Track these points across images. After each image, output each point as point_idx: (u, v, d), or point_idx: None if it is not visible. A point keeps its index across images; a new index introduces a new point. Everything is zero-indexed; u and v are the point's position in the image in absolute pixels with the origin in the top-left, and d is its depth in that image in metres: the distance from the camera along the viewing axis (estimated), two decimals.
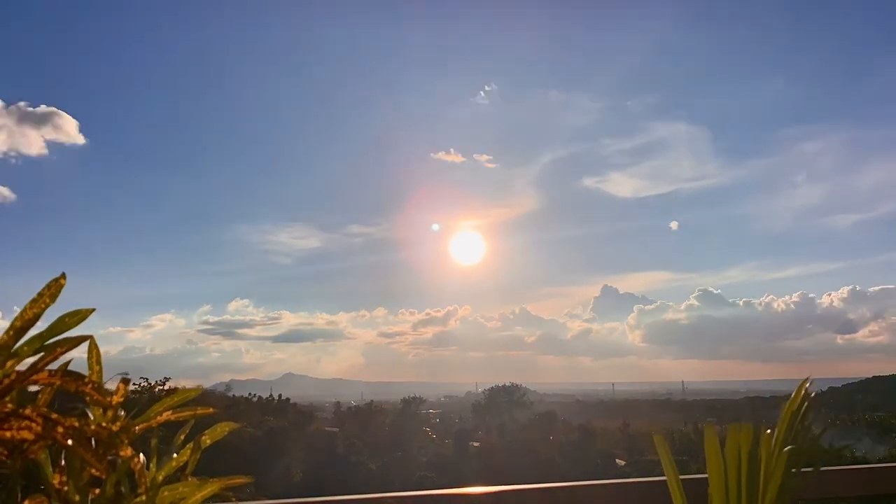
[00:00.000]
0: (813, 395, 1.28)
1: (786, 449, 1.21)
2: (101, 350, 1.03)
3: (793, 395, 1.30)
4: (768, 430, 1.27)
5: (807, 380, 1.33)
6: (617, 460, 41.46)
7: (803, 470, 1.27)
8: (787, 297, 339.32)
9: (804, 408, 1.27)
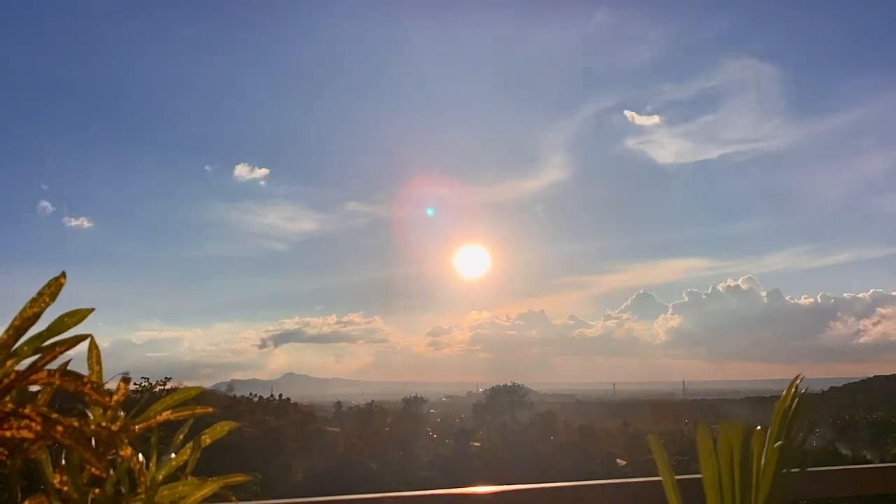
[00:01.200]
0: (803, 392, 1.29)
1: (775, 445, 1.22)
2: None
3: (784, 393, 1.30)
4: (758, 427, 1.28)
5: (798, 377, 1.34)
6: (617, 460, 41.45)
7: (796, 469, 1.28)
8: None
9: (794, 405, 1.27)
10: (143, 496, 1.02)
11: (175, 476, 1.10)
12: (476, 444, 44.09)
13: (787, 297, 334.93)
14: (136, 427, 1.04)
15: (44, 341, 0.90)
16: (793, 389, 1.29)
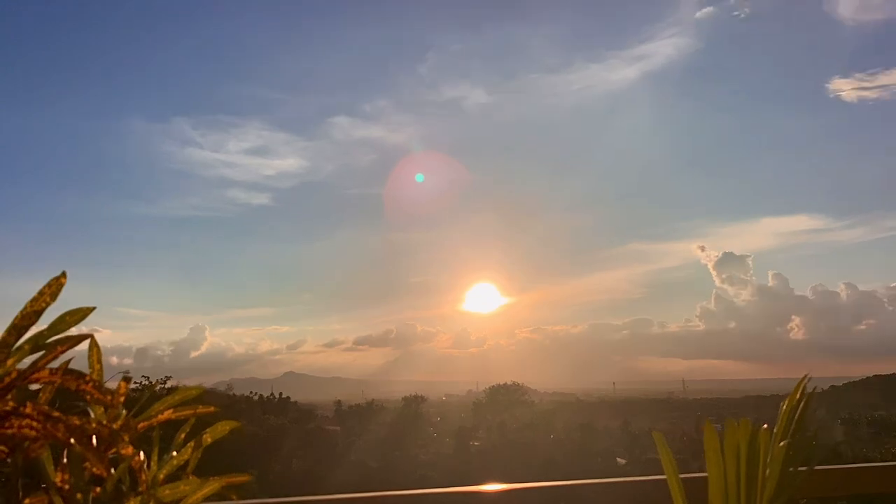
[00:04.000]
0: (812, 391, 1.29)
1: (781, 444, 1.22)
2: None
3: (791, 392, 1.30)
4: (765, 426, 1.28)
5: (805, 377, 1.34)
6: (618, 459, 41.51)
7: (801, 468, 1.28)
8: None
9: (802, 405, 1.27)
10: (143, 495, 1.02)
11: (176, 475, 1.09)
12: (476, 442, 44.15)
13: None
14: (138, 426, 1.03)
15: (45, 340, 0.90)
16: (801, 388, 1.29)
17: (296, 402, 55.93)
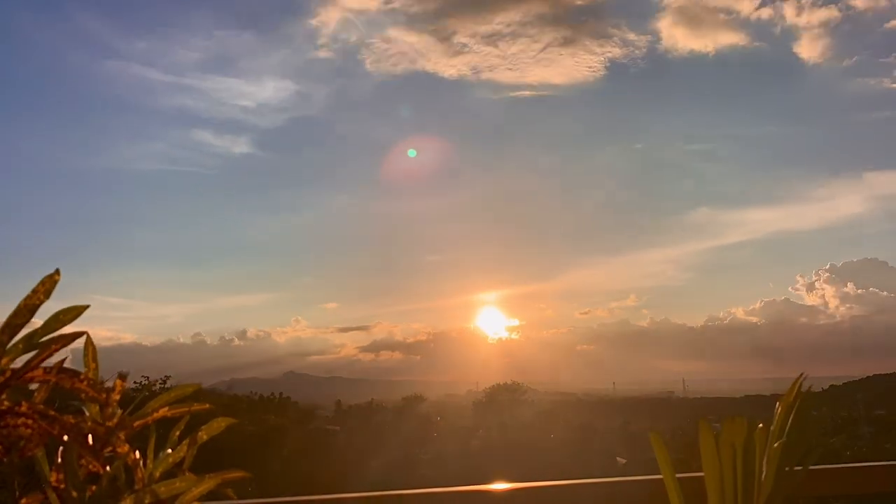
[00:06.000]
0: (808, 390, 1.29)
1: (776, 443, 1.22)
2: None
3: (787, 391, 1.30)
4: (760, 425, 1.28)
5: (801, 375, 1.34)
6: (618, 458, 41.57)
7: (797, 468, 1.28)
8: None
9: (798, 403, 1.27)
10: (139, 492, 1.02)
11: (172, 473, 1.09)
12: (476, 442, 44.24)
13: None
14: (133, 424, 1.03)
15: (39, 338, 0.90)
16: (796, 387, 1.29)
17: (296, 402, 55.97)
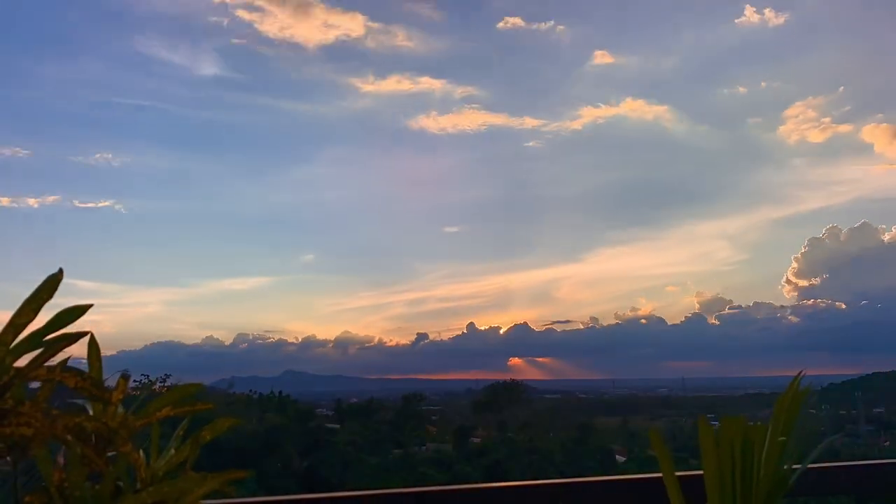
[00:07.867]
0: (806, 388, 1.29)
1: (776, 441, 1.22)
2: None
3: (786, 389, 1.31)
4: (758, 423, 1.28)
5: (800, 373, 1.34)
6: (617, 456, 41.61)
7: (796, 466, 1.28)
8: None
9: (795, 402, 1.28)
10: (142, 491, 1.02)
11: (175, 472, 1.10)
12: (475, 440, 44.29)
13: None
14: (136, 423, 1.04)
15: (43, 337, 0.90)
16: (795, 386, 1.29)
17: (296, 401, 55.94)
